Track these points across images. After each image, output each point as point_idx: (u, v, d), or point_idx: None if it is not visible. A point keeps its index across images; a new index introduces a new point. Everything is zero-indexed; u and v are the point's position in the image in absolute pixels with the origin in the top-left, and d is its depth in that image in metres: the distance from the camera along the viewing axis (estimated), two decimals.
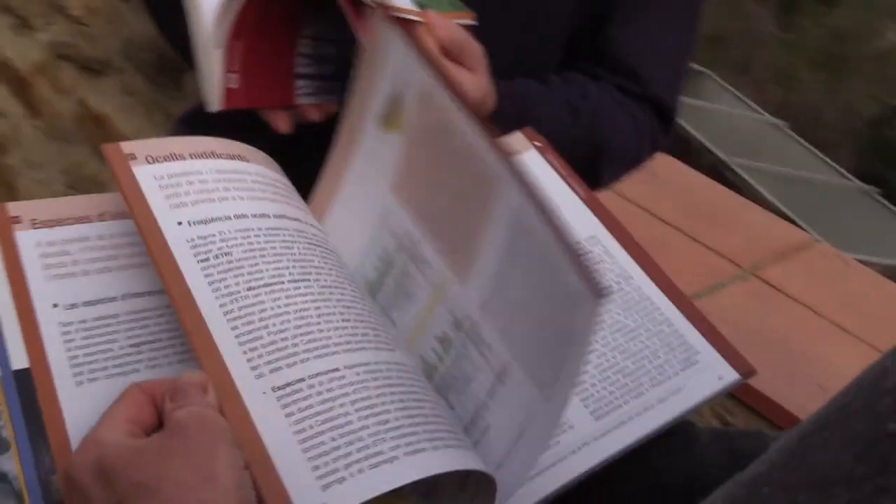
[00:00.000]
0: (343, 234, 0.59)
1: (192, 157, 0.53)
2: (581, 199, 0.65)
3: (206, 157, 0.54)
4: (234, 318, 0.46)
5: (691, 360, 0.59)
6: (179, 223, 0.50)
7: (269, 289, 0.48)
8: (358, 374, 0.46)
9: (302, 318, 0.48)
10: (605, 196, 0.92)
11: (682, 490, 0.58)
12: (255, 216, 0.52)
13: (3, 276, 0.49)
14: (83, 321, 0.49)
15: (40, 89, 1.74)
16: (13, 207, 0.51)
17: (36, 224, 0.52)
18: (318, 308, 0.49)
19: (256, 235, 0.51)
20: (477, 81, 0.67)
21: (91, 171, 1.75)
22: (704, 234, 1.51)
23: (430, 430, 0.45)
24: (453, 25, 0.67)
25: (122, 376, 0.48)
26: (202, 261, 0.48)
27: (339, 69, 0.76)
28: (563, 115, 0.79)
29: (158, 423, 0.42)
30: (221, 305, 0.47)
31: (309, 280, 0.50)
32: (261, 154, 0.59)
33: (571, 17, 0.82)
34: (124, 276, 0.51)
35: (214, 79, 0.64)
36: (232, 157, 0.55)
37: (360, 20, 0.62)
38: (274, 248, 0.51)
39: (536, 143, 0.68)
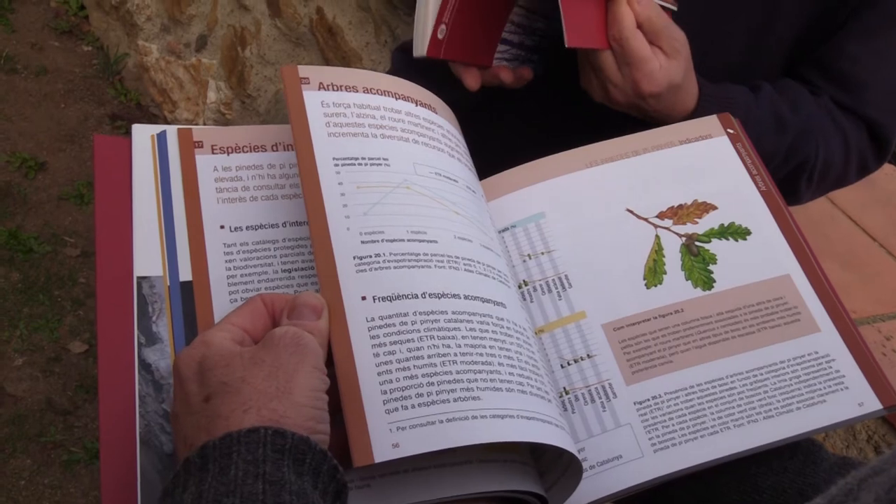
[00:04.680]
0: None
1: (365, 91, 0.54)
2: (759, 192, 0.63)
3: (382, 95, 0.55)
4: (361, 254, 0.48)
5: (836, 381, 0.55)
6: (333, 153, 0.51)
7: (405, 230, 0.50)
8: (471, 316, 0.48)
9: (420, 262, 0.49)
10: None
11: None
12: (416, 164, 0.53)
13: (180, 193, 0.54)
14: (245, 243, 0.53)
15: None
16: (196, 133, 0.55)
17: (215, 149, 0.56)
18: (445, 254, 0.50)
19: (404, 181, 0.52)
20: (668, 67, 0.67)
21: None
22: None
23: (536, 396, 0.47)
24: (655, 7, 0.66)
25: None
26: (341, 194, 0.50)
27: (541, 42, 0.77)
28: (767, 126, 0.76)
29: None
30: (348, 229, 0.48)
31: (443, 229, 0.51)
32: (447, 109, 0.60)
33: (806, 23, 0.77)
34: (289, 204, 0.55)
35: (426, 26, 0.67)
36: (410, 101, 0.56)
37: None
38: (420, 201, 0.51)
39: (730, 131, 0.66)
